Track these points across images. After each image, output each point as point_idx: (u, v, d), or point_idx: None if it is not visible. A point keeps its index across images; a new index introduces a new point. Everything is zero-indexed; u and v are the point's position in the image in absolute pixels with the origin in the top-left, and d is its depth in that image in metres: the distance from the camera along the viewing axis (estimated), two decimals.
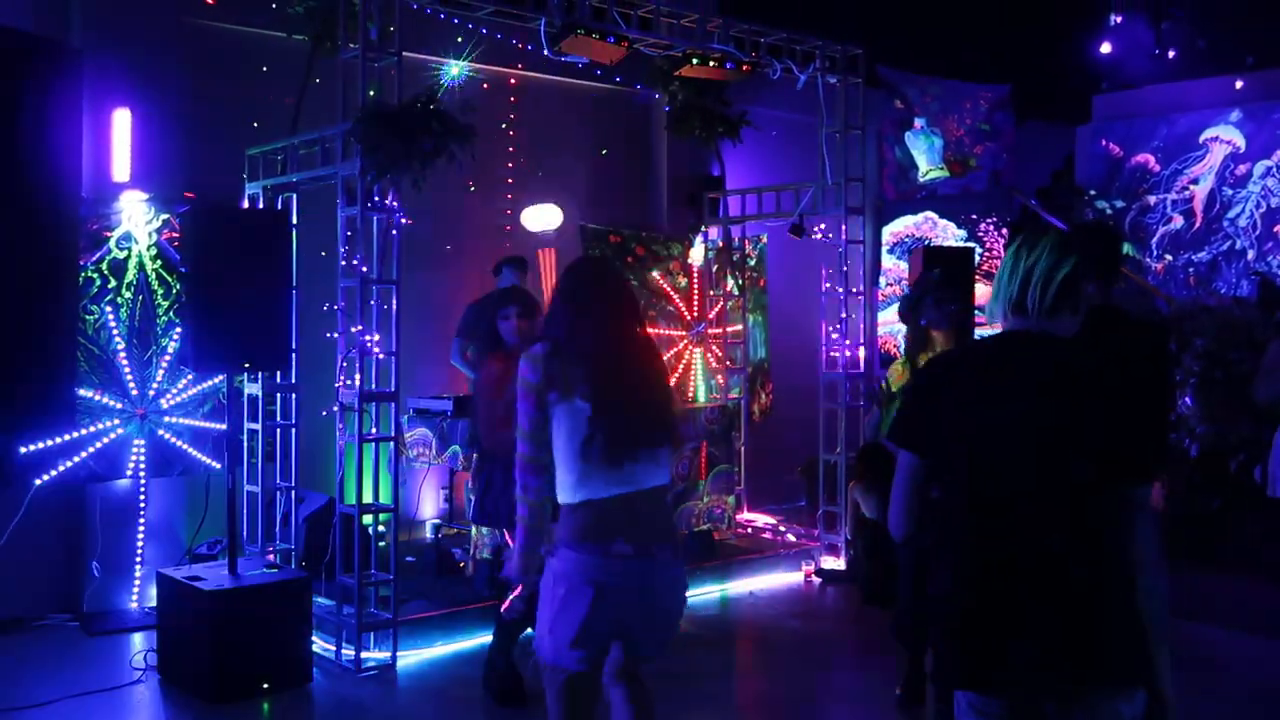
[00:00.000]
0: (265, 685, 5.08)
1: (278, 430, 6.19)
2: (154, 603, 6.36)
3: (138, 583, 6.40)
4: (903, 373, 4.72)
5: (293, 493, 6.22)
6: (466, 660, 5.71)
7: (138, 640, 5.90)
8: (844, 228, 7.43)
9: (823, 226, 7.60)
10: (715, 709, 5.22)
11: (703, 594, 6.94)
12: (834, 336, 7.55)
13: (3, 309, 2.16)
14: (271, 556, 6.13)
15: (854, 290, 7.59)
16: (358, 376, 5.38)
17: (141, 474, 6.38)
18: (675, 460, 3.14)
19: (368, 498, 5.46)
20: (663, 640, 3.04)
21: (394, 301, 5.46)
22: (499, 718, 4.90)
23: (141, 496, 6.41)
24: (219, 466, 6.52)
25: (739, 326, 8.90)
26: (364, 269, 5.38)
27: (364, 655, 5.45)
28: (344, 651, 5.52)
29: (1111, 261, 4.11)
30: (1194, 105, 9.64)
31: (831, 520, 7.58)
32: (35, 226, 2.23)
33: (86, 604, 6.27)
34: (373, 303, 5.45)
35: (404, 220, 5.39)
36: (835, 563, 7.46)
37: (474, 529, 6.15)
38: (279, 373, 6.05)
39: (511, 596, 3.31)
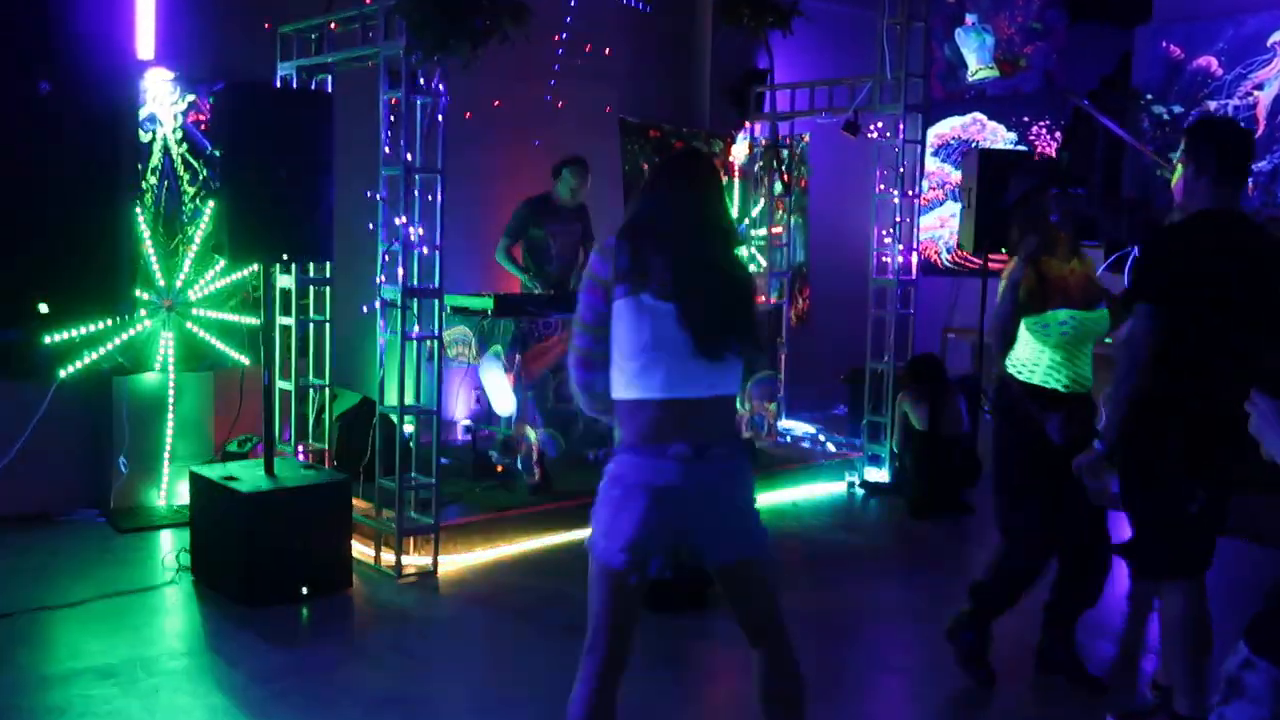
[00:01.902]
0: (304, 590, 4.90)
1: (310, 326, 5.93)
2: (183, 500, 6.21)
3: (165, 479, 6.22)
4: (1011, 274, 4.09)
5: (327, 391, 5.99)
6: (509, 567, 5.55)
7: (166, 539, 5.73)
8: (902, 126, 7.06)
9: (880, 124, 7.22)
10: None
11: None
12: (887, 241, 7.23)
13: (63, 199, 1.90)
14: (304, 456, 5.92)
15: (909, 193, 7.25)
16: (400, 271, 5.10)
17: (171, 368, 6.15)
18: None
19: (408, 399, 5.22)
20: (739, 542, 2.81)
21: (439, 192, 5.15)
22: (545, 625, 4.73)
23: (170, 391, 6.19)
24: (248, 363, 6.30)
25: (779, 229, 8.58)
26: (408, 156, 5.05)
27: (404, 560, 5.27)
28: (383, 557, 5.35)
29: None
30: (1265, 5, 9.18)
31: (875, 430, 7.35)
32: (91, 111, 1.95)
33: (114, 500, 6.09)
34: (416, 193, 5.14)
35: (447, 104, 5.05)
36: (879, 474, 7.25)
37: (531, 433, 5.94)
38: (313, 265, 5.78)
39: None
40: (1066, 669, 4.26)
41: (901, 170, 7.10)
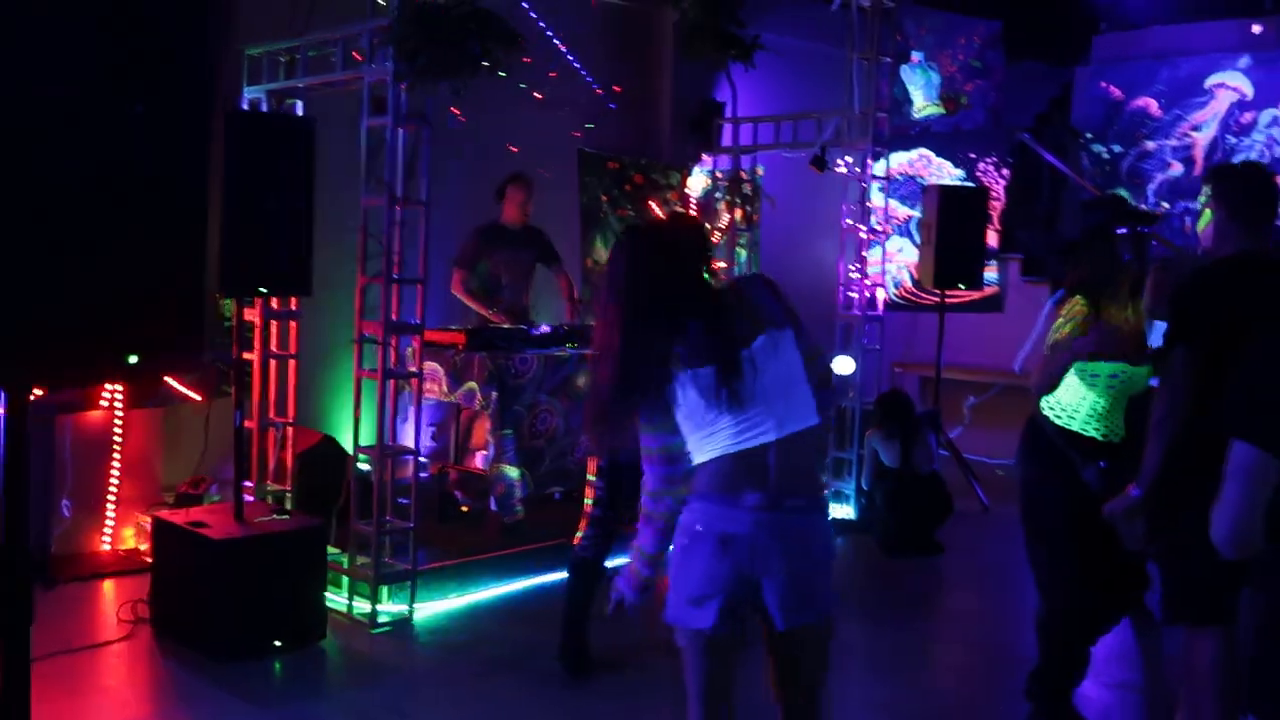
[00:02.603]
0: (278, 643, 4.62)
1: (271, 361, 5.65)
2: (129, 545, 5.87)
3: (111, 523, 5.86)
4: (1081, 317, 3.87)
5: (289, 429, 5.71)
6: (487, 613, 5.33)
7: (113, 587, 5.38)
8: (869, 161, 7.04)
9: (849, 159, 7.19)
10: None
11: None
12: (853, 276, 7.19)
13: (148, 237, 1.69)
14: (250, 498, 5.62)
15: (877, 228, 7.23)
16: (382, 306, 4.88)
17: (116, 404, 5.81)
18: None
19: (366, 438, 5.01)
20: (807, 604, 2.63)
21: (422, 224, 4.95)
22: (537, 676, 4.52)
23: (116, 429, 5.84)
24: (199, 399, 5.98)
25: (723, 264, 8.50)
26: (392, 186, 4.84)
27: (378, 609, 5.02)
28: (356, 605, 5.08)
29: None
30: (1200, 49, 9.43)
31: (839, 467, 7.29)
32: (179, 139, 1.74)
33: (55, 545, 5.71)
34: (398, 224, 4.93)
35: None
36: (845, 511, 7.18)
37: (512, 471, 5.72)
38: (275, 300, 5.51)
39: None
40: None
41: (870, 205, 7.07)
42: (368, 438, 5.34)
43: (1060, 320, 3.92)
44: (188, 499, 5.71)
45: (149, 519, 5.34)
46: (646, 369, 2.57)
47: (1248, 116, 9.24)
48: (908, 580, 6.29)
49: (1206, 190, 3.59)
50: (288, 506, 5.52)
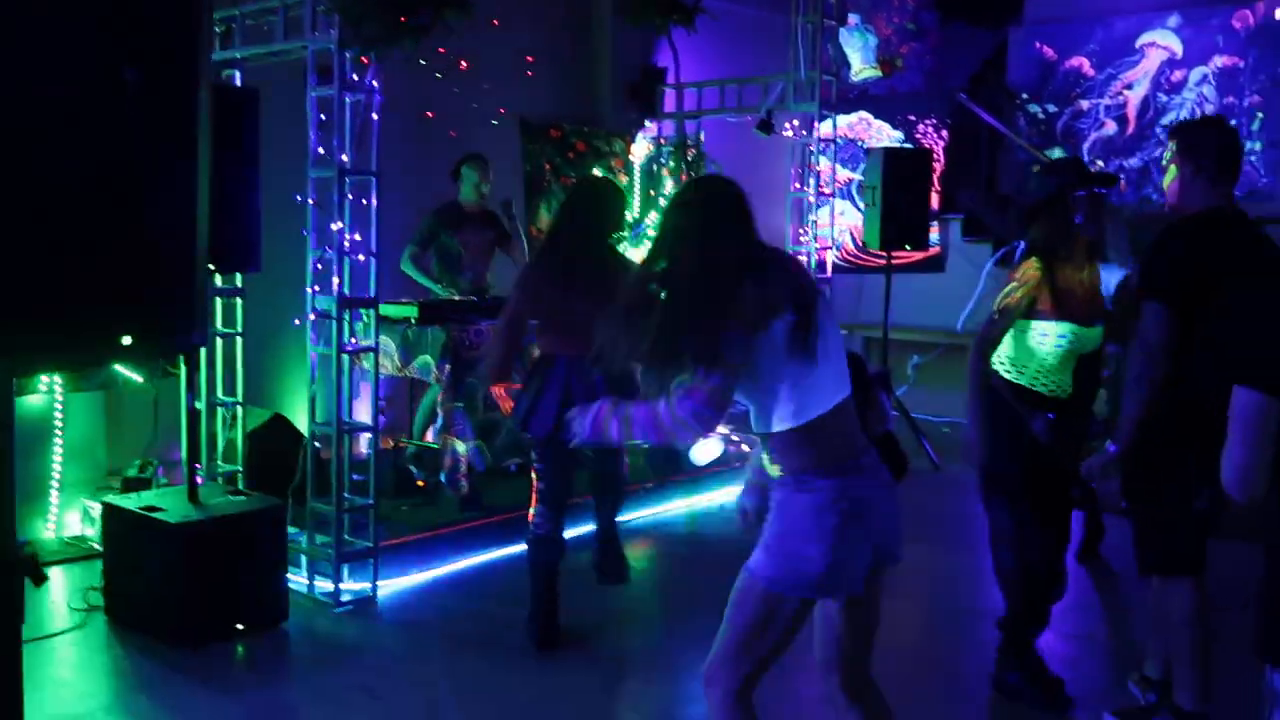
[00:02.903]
0: (239, 626, 4.53)
1: (219, 339, 5.51)
2: (74, 531, 5.71)
3: (55, 509, 5.69)
4: (1032, 283, 3.87)
5: (240, 409, 5.58)
6: (449, 589, 5.27)
7: (59, 576, 5.23)
8: (816, 124, 7.04)
9: (796, 123, 7.17)
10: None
11: (669, 510, 6.63)
12: (803, 239, 7.20)
13: (143, 212, 1.59)
14: (199, 479, 5.49)
15: (824, 191, 7.24)
16: (335, 280, 4.77)
17: (57, 387, 5.62)
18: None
19: (322, 415, 4.92)
20: (901, 541, 2.75)
21: (373, 196, 4.84)
22: (508, 651, 4.49)
23: (57, 413, 5.66)
24: (141, 380, 5.82)
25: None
26: (342, 157, 4.72)
27: (341, 588, 4.94)
28: (318, 584, 5.00)
29: None
30: (1131, 9, 9.55)
31: None
32: (174, 110, 1.63)
33: None
34: (349, 196, 4.81)
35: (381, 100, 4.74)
36: None
37: (460, 445, 5.66)
38: (219, 276, 5.36)
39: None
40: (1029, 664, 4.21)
41: (818, 168, 7.07)
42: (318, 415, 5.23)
43: (1013, 284, 3.93)
44: (136, 483, 5.56)
45: (97, 505, 5.20)
46: (740, 306, 2.55)
47: (1178, 75, 9.38)
48: None
49: (1172, 146, 3.62)
50: (240, 487, 5.40)
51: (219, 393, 5.56)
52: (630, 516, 6.10)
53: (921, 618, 5.14)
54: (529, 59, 7.80)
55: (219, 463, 5.59)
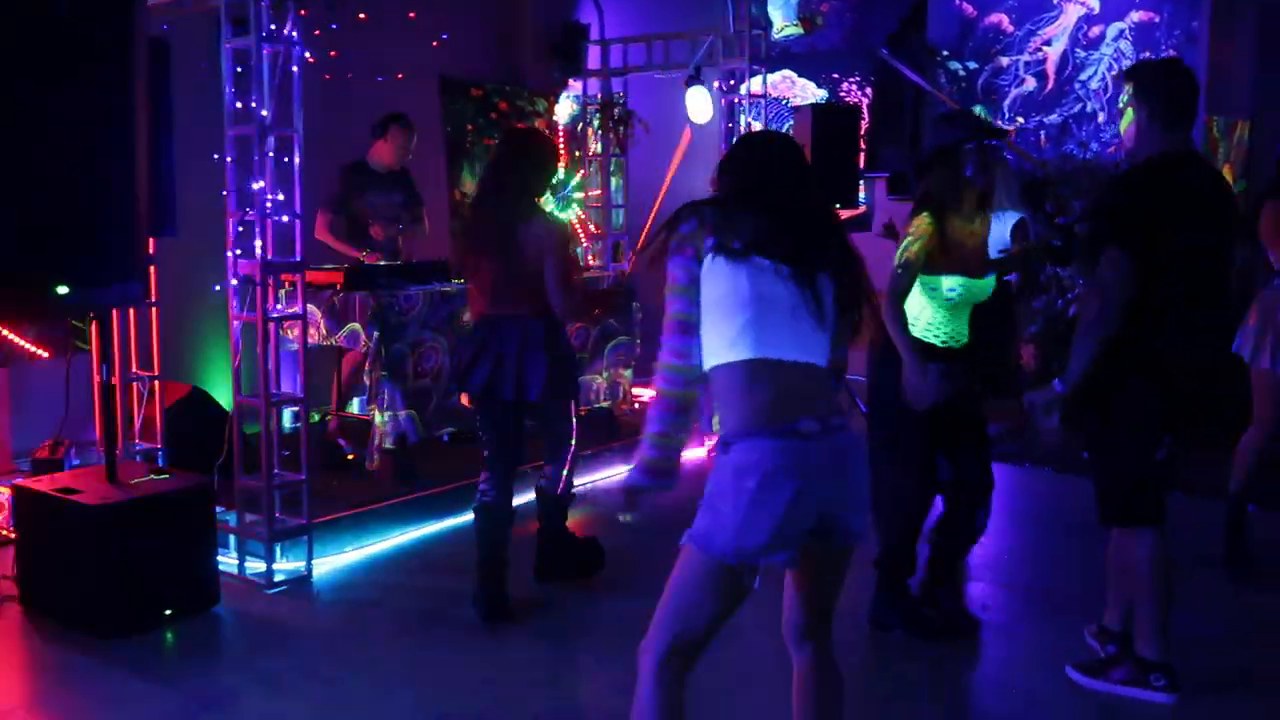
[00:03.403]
0: (168, 612, 4.29)
1: (133, 310, 5.20)
2: None
3: None
4: (926, 235, 3.91)
5: (157, 383, 5.29)
6: (387, 565, 5.08)
7: None
8: (747, 81, 6.90)
9: (732, 81, 7.02)
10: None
11: (607, 476, 6.48)
12: None
13: (77, 152, 1.38)
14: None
15: None
16: (258, 244, 4.51)
17: None
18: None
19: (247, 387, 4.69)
20: (860, 515, 2.59)
21: (295, 154, 4.58)
22: (453, 625, 4.32)
23: None
24: (46, 355, 5.49)
25: (598, 191, 8.29)
26: (262, 113, 4.45)
27: (274, 568, 4.71)
28: (249, 565, 4.76)
29: None
30: None
31: None
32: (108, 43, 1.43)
33: None
34: (270, 154, 4.54)
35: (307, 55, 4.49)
36: None
37: (377, 416, 5.46)
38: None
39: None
40: (949, 609, 4.29)
41: (752, 125, 6.94)
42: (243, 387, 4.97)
43: (909, 238, 3.94)
44: (47, 465, 5.24)
45: (6, 489, 4.89)
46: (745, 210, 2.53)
47: (1095, 30, 9.43)
48: None
49: (1128, 89, 3.56)
50: (160, 465, 5.12)
51: (134, 367, 5.26)
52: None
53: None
54: (447, 15, 7.52)
55: (136, 441, 5.31)
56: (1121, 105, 3.60)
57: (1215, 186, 3.50)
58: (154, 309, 5.19)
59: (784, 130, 7.87)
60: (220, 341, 6.20)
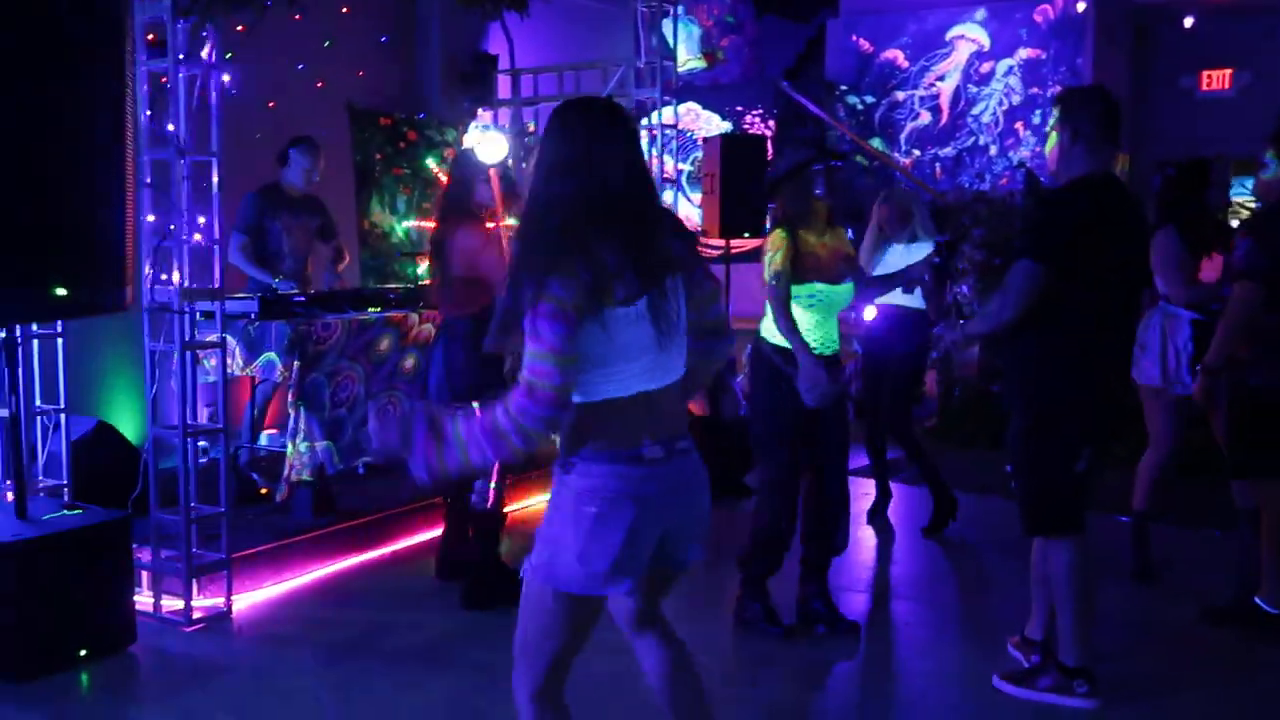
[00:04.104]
0: (82, 653, 4.13)
1: (34, 341, 5.02)
2: None
3: None
4: (784, 246, 4.17)
5: (62, 416, 5.10)
6: (308, 599, 4.97)
7: None
8: (659, 112, 6.99)
9: (655, 118, 7.10)
10: None
11: (529, 504, 6.45)
12: None
13: (75, 154, 1.36)
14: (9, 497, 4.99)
15: (666, 177, 7.21)
16: (175, 271, 4.41)
17: None
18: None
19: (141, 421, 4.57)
20: (697, 544, 2.59)
21: (214, 178, 4.50)
22: (377, 661, 4.25)
23: None
24: None
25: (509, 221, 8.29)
26: (182, 138, 4.36)
27: (192, 604, 4.58)
28: (165, 603, 4.62)
29: None
30: (941, 3, 9.90)
31: None
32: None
33: None
34: (185, 180, 4.45)
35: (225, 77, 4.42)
36: None
37: (290, 448, 5.37)
38: None
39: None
40: (825, 618, 4.48)
41: (666, 155, 7.03)
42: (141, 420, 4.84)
43: (769, 253, 4.25)
44: None
45: None
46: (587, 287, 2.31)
47: (986, 66, 9.81)
48: (723, 529, 6.33)
49: (1056, 113, 3.73)
50: (65, 500, 4.94)
51: (37, 400, 5.07)
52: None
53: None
54: (356, 44, 7.48)
55: (40, 477, 5.11)
56: (1049, 129, 3.78)
57: (1133, 209, 3.68)
58: (59, 339, 5.01)
59: (690, 160, 8.01)
60: (124, 372, 6.03)
